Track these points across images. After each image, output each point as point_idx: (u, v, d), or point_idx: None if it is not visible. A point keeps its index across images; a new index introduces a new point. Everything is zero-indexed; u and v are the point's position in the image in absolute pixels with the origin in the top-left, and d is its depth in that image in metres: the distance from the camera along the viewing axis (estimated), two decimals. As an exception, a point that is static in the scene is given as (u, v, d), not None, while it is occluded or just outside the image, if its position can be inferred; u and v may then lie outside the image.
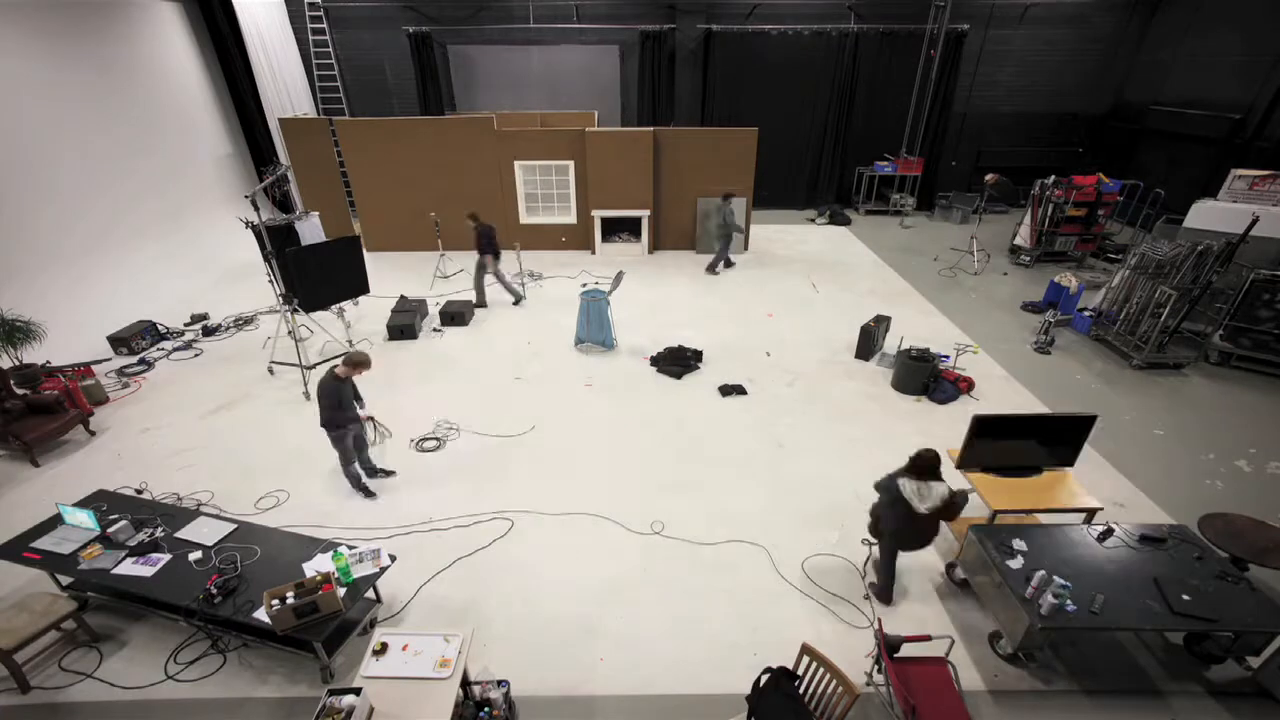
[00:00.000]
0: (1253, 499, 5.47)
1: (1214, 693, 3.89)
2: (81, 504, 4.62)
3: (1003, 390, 7.20)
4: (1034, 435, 4.68)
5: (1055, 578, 3.72)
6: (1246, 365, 7.63)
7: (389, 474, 5.81)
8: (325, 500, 5.48)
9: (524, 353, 8.07)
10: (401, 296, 9.67)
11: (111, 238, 9.40)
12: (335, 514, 5.32)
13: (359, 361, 4.97)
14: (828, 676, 3.18)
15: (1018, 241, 11.58)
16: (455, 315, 8.72)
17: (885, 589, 4.44)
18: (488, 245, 8.85)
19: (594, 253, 11.73)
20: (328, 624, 3.72)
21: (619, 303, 9.41)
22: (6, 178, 7.93)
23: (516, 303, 9.51)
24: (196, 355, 8.02)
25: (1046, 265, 11.11)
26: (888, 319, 8.14)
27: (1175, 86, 12.62)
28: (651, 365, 7.70)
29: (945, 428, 6.48)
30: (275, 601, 3.61)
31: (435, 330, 8.66)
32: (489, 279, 9.28)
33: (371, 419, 5.80)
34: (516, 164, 11.17)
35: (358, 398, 5.29)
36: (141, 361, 7.76)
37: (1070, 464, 4.78)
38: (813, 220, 14.21)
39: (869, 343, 7.78)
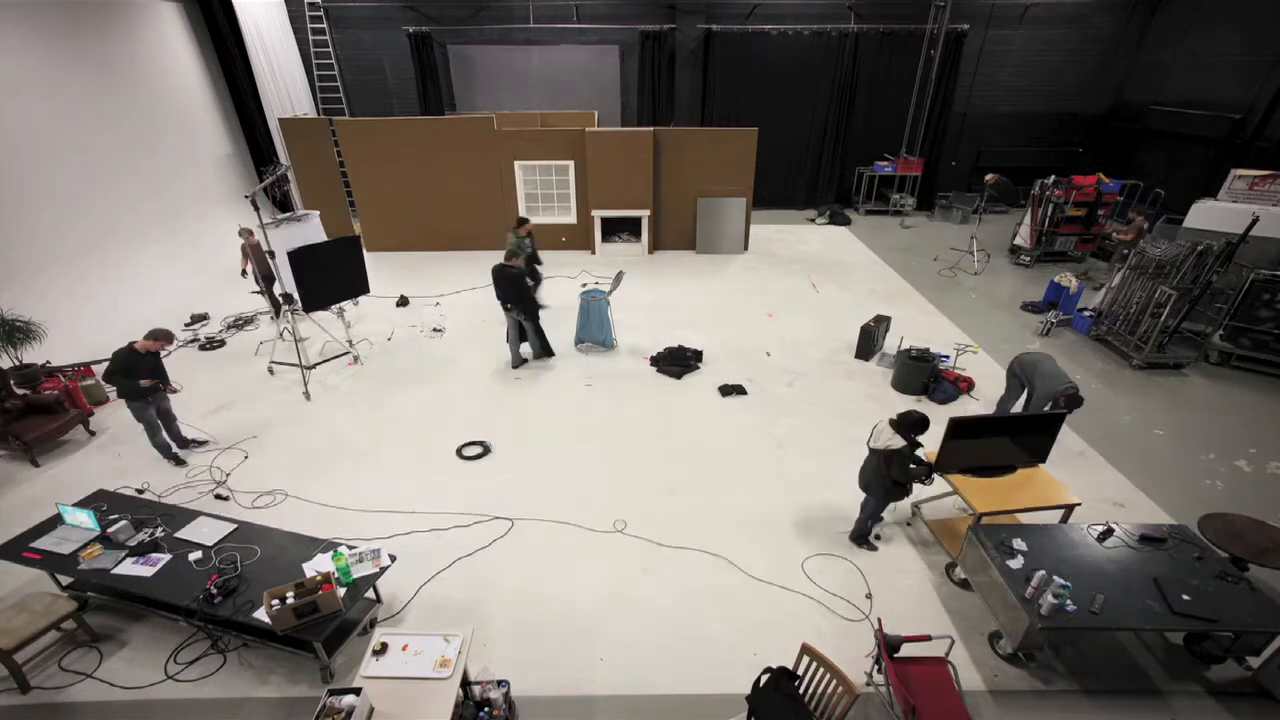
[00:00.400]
0: (1253, 499, 5.47)
1: (1214, 693, 3.89)
2: (81, 504, 4.62)
3: (1002, 390, 7.18)
4: (1008, 434, 4.70)
5: (1055, 578, 3.72)
6: (1246, 365, 7.63)
7: (201, 444, 6.17)
8: (325, 500, 5.49)
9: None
10: (401, 296, 9.69)
11: (111, 237, 9.40)
12: (335, 514, 5.32)
13: (160, 336, 5.34)
14: (828, 676, 3.18)
15: (1018, 241, 11.58)
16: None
17: (857, 531, 4.92)
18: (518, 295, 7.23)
19: (594, 253, 11.73)
20: (328, 624, 3.72)
21: (619, 303, 9.40)
22: (6, 177, 7.93)
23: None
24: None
25: (1047, 265, 11.12)
26: (888, 319, 8.15)
27: (1175, 86, 12.61)
28: (651, 365, 7.70)
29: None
30: (275, 601, 3.62)
31: (435, 331, 8.66)
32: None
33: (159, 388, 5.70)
34: (516, 164, 11.17)
35: (163, 375, 5.63)
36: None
37: (1042, 460, 4.79)
38: (813, 220, 14.22)
39: (869, 343, 7.78)
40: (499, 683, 3.68)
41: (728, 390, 7.14)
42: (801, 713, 3.15)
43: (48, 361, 7.06)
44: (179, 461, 5.92)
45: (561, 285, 10.30)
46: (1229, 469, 5.92)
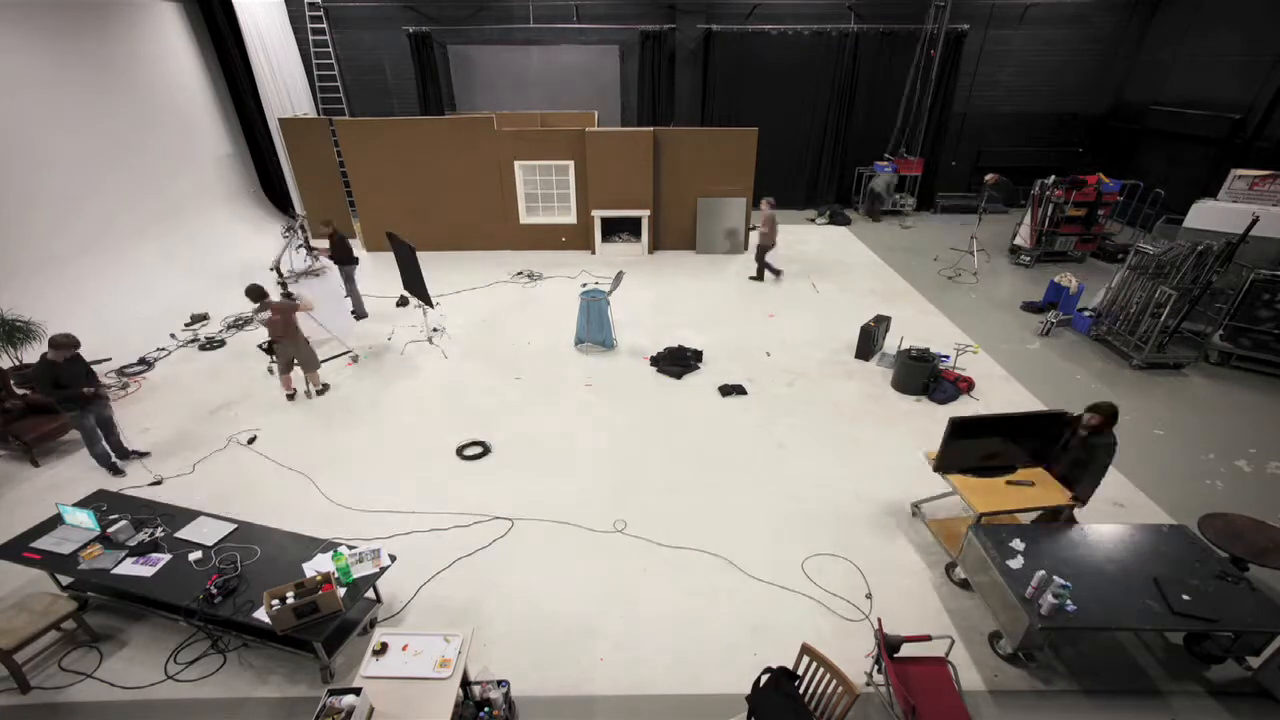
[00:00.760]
0: (1253, 499, 5.47)
1: (1214, 693, 3.89)
2: (81, 504, 4.62)
3: (1003, 390, 7.20)
4: (1008, 434, 4.69)
5: (1055, 578, 3.71)
6: (1246, 365, 7.63)
7: (143, 455, 6.05)
8: (324, 499, 5.49)
9: (524, 352, 8.07)
10: (402, 296, 9.69)
11: (111, 237, 9.41)
12: (335, 513, 5.32)
13: (62, 344, 5.26)
14: (828, 676, 3.18)
15: (1018, 241, 11.58)
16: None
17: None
18: (345, 256, 8.63)
19: (594, 253, 11.73)
20: (328, 624, 3.72)
21: (619, 303, 9.41)
22: (6, 177, 7.93)
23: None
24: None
25: (1047, 265, 11.12)
26: (888, 319, 8.15)
27: (1175, 86, 12.62)
28: (651, 365, 7.70)
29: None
30: (275, 601, 3.62)
31: (435, 331, 8.66)
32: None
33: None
34: (516, 164, 11.17)
35: (94, 379, 5.55)
36: (141, 361, 7.76)
37: (1045, 461, 4.79)
38: (813, 220, 14.22)
39: (869, 343, 7.78)
40: (499, 683, 3.68)
41: (728, 390, 7.14)
42: (801, 713, 3.15)
43: (48, 361, 7.06)
44: (117, 471, 5.81)
45: (562, 285, 10.30)
46: (1229, 469, 5.92)
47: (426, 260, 11.39)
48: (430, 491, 5.61)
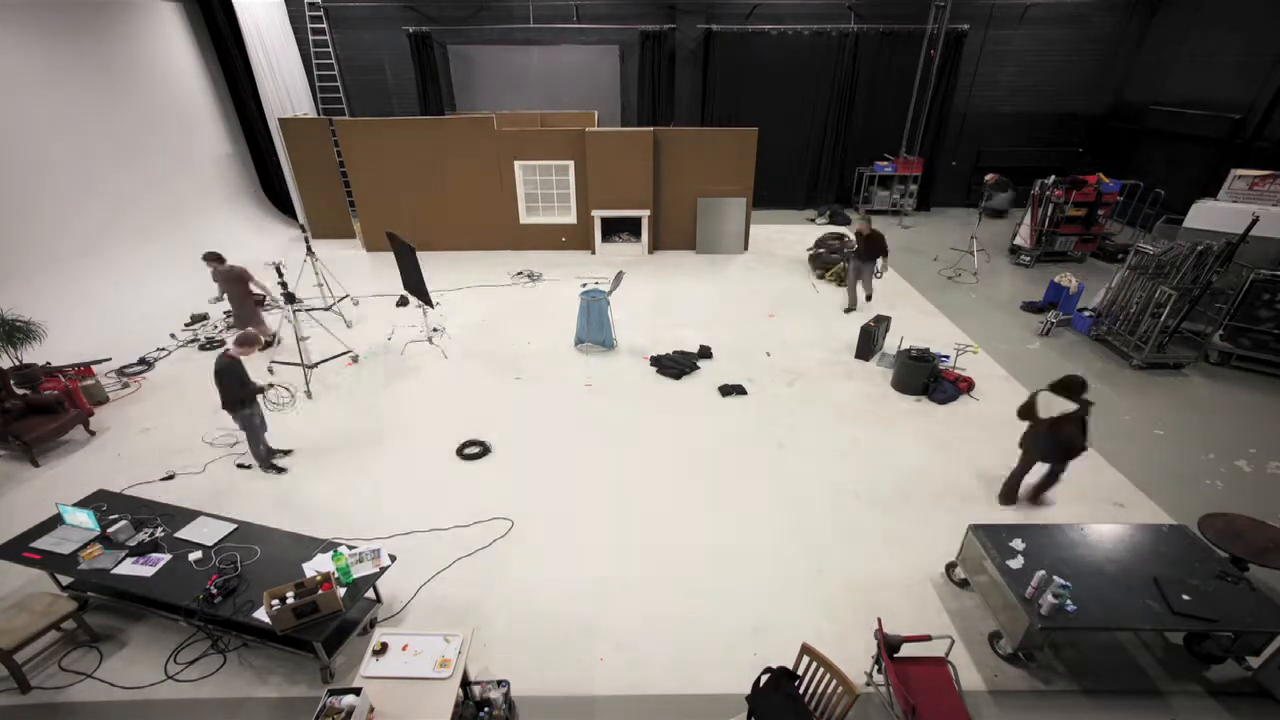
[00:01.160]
0: (1253, 499, 5.47)
1: (1214, 693, 3.89)
2: (81, 504, 4.62)
3: (1003, 390, 7.20)
4: None
5: (1055, 578, 3.72)
6: (1246, 365, 7.63)
7: (287, 453, 6.05)
8: (324, 499, 5.49)
9: (524, 352, 8.07)
10: (402, 297, 9.69)
11: (111, 237, 9.41)
12: (335, 513, 5.32)
13: (250, 341, 5.23)
14: (828, 676, 3.18)
15: (1018, 241, 11.58)
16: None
17: (1006, 489, 5.29)
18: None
19: (594, 253, 11.73)
20: (328, 624, 3.72)
21: (619, 303, 9.41)
22: (5, 177, 7.93)
23: None
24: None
25: (1047, 265, 11.11)
26: (888, 319, 8.15)
27: (1175, 86, 12.62)
28: (652, 365, 7.70)
29: (945, 428, 6.48)
30: (275, 601, 3.62)
31: (435, 331, 8.67)
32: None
33: (271, 386, 6.04)
34: (516, 164, 11.17)
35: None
36: (141, 361, 7.76)
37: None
38: (813, 220, 14.21)
39: (869, 343, 7.78)
40: (499, 683, 3.68)
41: (728, 390, 7.14)
42: (801, 712, 3.15)
43: (48, 362, 7.06)
44: (279, 470, 5.82)
45: (562, 285, 10.30)
46: (1229, 469, 5.92)
47: (427, 260, 11.40)
48: (430, 491, 5.61)
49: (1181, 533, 4.33)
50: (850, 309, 9.24)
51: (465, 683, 3.54)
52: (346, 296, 9.50)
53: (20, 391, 6.35)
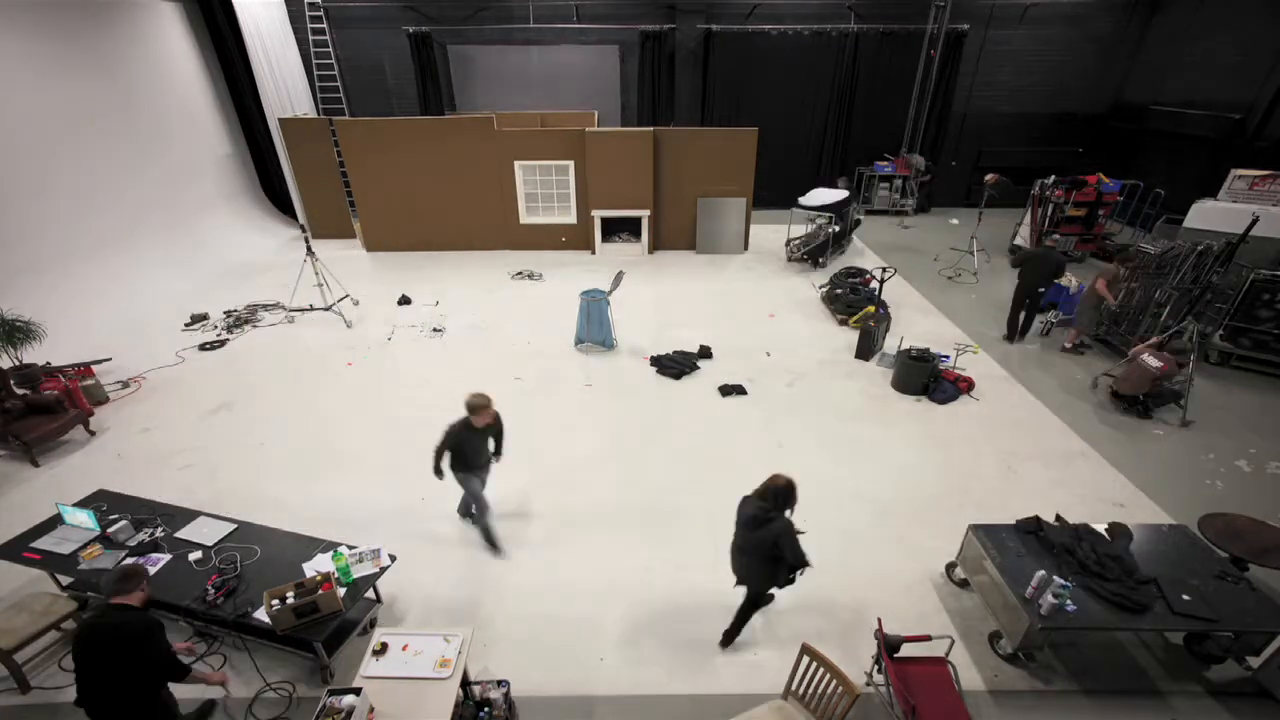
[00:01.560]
0: (1253, 499, 5.47)
1: (1214, 693, 3.89)
2: (81, 504, 4.62)
3: (1003, 390, 7.19)
4: None
5: (1055, 578, 3.72)
6: (1246, 365, 7.63)
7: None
8: (324, 499, 5.49)
9: (524, 353, 8.07)
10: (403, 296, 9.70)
11: (110, 237, 9.41)
12: (335, 513, 5.32)
13: (482, 406, 4.49)
14: (828, 676, 3.18)
15: (1018, 241, 11.58)
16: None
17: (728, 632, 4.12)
18: None
19: (594, 253, 11.73)
20: (328, 624, 3.72)
21: (619, 303, 9.41)
22: (5, 177, 7.93)
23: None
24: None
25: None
26: (888, 319, 8.14)
27: (1175, 86, 12.61)
28: (652, 365, 7.70)
29: (945, 427, 6.48)
30: (275, 601, 3.62)
31: (435, 331, 8.66)
32: None
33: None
34: (516, 164, 11.17)
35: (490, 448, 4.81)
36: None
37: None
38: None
39: (869, 343, 7.78)
40: (499, 683, 3.68)
41: (728, 390, 7.14)
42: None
43: (48, 362, 7.06)
44: (499, 551, 4.89)
45: (562, 285, 10.30)
46: (1229, 469, 5.92)
47: (426, 260, 11.41)
48: (430, 491, 5.59)
49: (1181, 533, 4.33)
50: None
51: (465, 683, 3.54)
52: (346, 297, 9.50)
53: (20, 391, 6.35)
